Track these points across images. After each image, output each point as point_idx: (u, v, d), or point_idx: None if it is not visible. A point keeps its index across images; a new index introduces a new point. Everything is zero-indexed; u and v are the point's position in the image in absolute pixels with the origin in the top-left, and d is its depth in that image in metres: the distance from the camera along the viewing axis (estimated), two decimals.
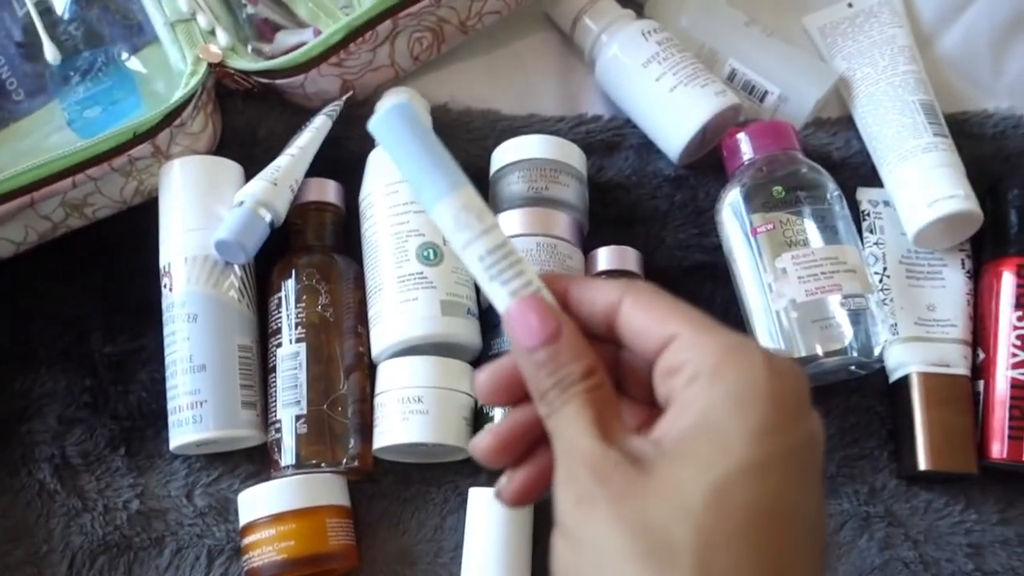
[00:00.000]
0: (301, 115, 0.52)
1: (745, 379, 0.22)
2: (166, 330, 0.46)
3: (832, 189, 0.48)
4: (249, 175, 0.49)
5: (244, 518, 0.43)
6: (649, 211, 0.52)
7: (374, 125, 0.27)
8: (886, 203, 0.50)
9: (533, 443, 0.27)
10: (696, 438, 0.22)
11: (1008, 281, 0.47)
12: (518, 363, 0.26)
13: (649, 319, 0.25)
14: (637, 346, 0.25)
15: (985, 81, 0.55)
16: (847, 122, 0.53)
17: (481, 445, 0.26)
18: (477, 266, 0.26)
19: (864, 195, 0.51)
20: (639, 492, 0.22)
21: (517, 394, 0.26)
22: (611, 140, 0.53)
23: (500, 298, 0.26)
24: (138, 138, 0.47)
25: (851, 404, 0.48)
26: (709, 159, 0.52)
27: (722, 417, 0.22)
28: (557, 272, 0.26)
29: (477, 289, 0.48)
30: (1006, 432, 0.45)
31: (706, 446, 0.22)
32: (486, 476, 0.46)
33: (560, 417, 0.24)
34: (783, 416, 0.22)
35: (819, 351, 0.45)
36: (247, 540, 0.43)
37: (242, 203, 0.46)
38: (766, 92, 0.53)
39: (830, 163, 0.50)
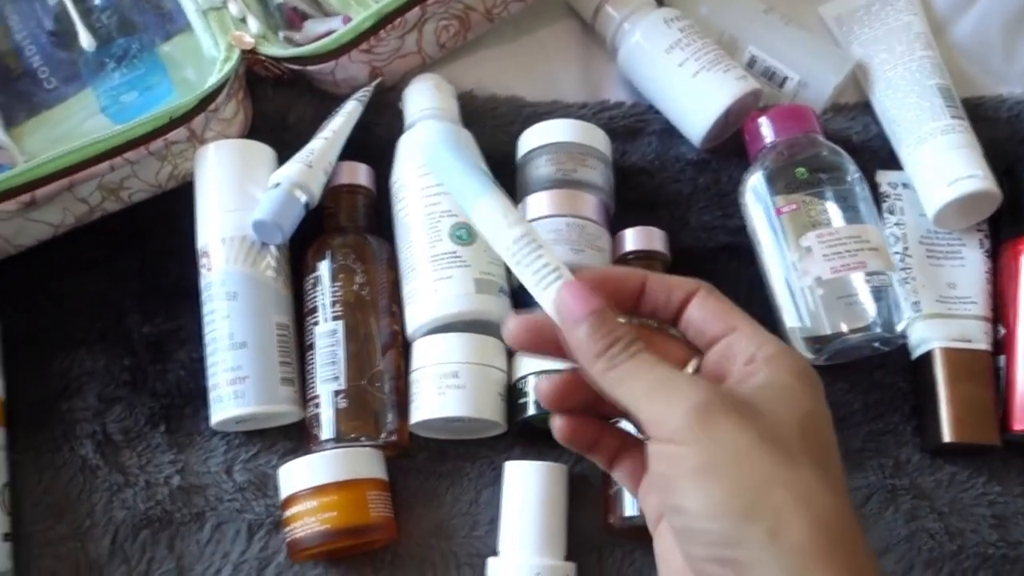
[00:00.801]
0: (330, 101, 0.53)
1: (799, 365, 0.30)
2: (205, 309, 0.47)
3: (853, 171, 0.49)
4: (280, 160, 0.50)
5: (286, 491, 0.44)
6: (673, 194, 0.53)
7: (430, 159, 0.33)
8: (905, 185, 0.52)
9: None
10: (772, 391, 0.29)
11: None
12: (566, 334, 0.30)
13: (719, 309, 0.31)
14: (703, 329, 0.31)
15: (998, 68, 0.56)
16: (865, 107, 0.55)
17: (542, 387, 0.32)
18: (509, 255, 0.31)
19: (883, 177, 0.52)
20: (749, 412, 0.28)
21: (546, 343, 0.31)
22: (634, 126, 0.54)
23: (535, 283, 0.30)
24: (174, 122, 0.48)
25: (875, 380, 0.49)
26: (730, 143, 0.54)
27: (788, 382, 0.29)
28: (633, 268, 0.33)
29: (508, 269, 0.49)
30: None
31: (784, 396, 0.29)
32: (520, 450, 0.47)
33: (637, 362, 0.29)
34: (820, 391, 0.30)
35: (844, 328, 0.46)
36: (289, 512, 0.43)
37: (278, 185, 0.47)
38: (785, 78, 0.54)
39: (849, 147, 0.51)
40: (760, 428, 0.27)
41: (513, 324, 0.31)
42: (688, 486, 0.27)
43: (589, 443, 0.33)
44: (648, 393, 0.28)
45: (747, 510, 0.26)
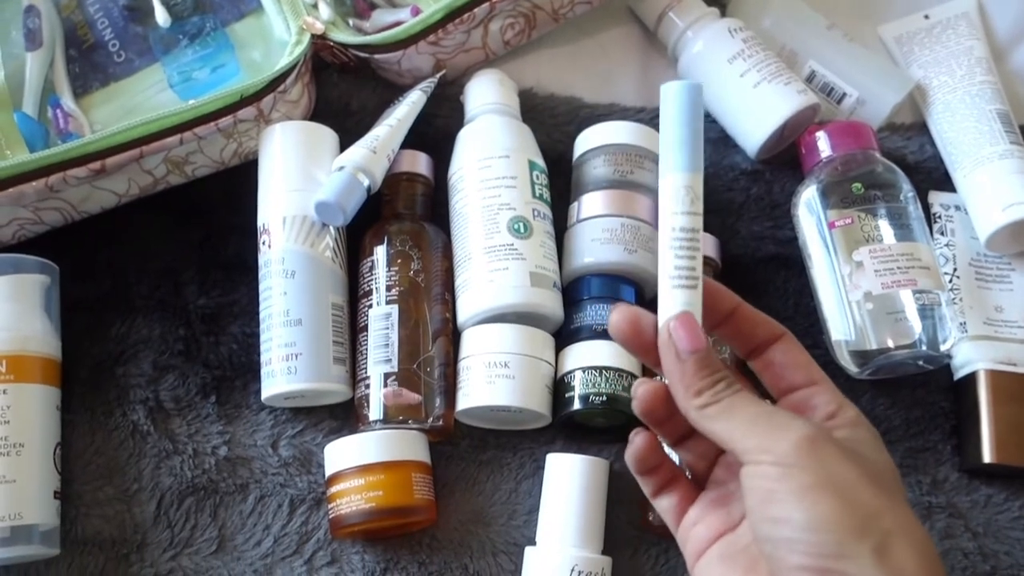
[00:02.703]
0: (392, 90, 0.54)
1: (876, 432, 0.33)
2: (262, 285, 0.48)
3: (907, 190, 0.50)
4: (342, 145, 0.51)
5: (332, 468, 0.45)
6: (725, 203, 0.53)
7: (669, 87, 0.31)
8: (957, 207, 0.52)
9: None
10: (861, 444, 0.31)
11: None
12: (668, 360, 0.32)
13: (803, 360, 0.33)
14: (784, 374, 0.33)
15: None
16: (921, 128, 0.55)
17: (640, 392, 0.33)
18: (668, 235, 0.31)
19: (936, 198, 0.53)
20: (850, 451, 0.30)
21: (641, 339, 0.33)
22: None
23: (670, 275, 0.31)
24: (244, 101, 0.49)
25: (917, 398, 0.50)
26: (784, 155, 0.54)
27: (872, 440, 0.32)
28: (729, 292, 0.34)
29: (560, 265, 0.49)
30: None
31: (873, 450, 0.32)
32: (562, 443, 0.48)
33: (739, 398, 0.31)
34: (887, 455, 0.33)
35: (890, 343, 0.46)
36: (334, 489, 0.44)
37: (342, 168, 0.48)
38: (844, 94, 0.54)
39: (903, 166, 0.52)
40: (862, 465, 0.29)
41: (619, 314, 0.32)
42: (797, 499, 0.28)
43: (651, 467, 0.35)
44: (752, 424, 0.30)
45: (858, 528, 0.28)
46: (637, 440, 0.35)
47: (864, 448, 0.31)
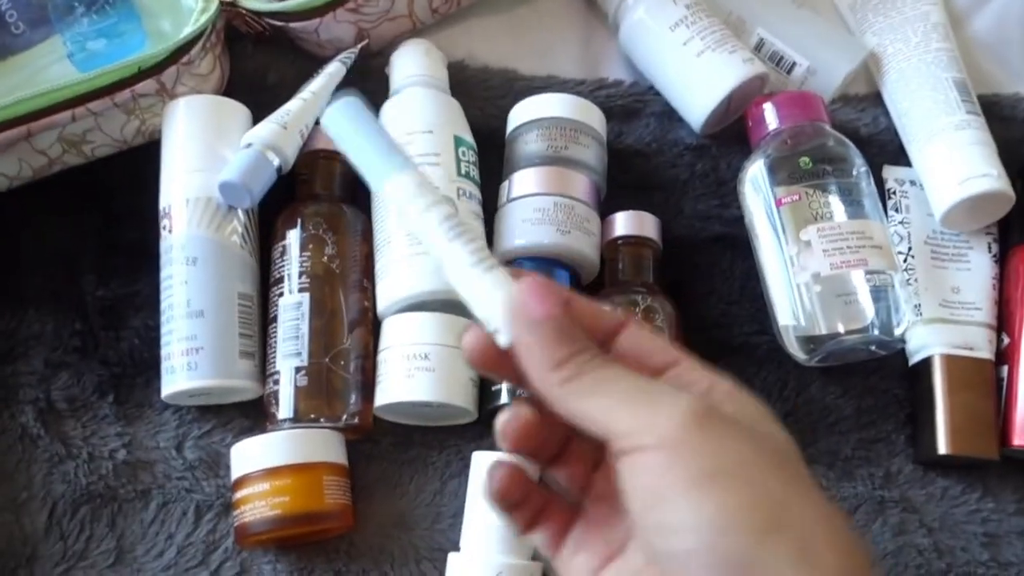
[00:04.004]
0: (313, 63, 0.50)
1: (759, 401, 0.27)
2: (163, 273, 0.44)
3: (859, 164, 0.47)
4: (257, 121, 0.47)
5: (237, 471, 0.41)
6: (669, 179, 0.50)
7: (327, 119, 0.28)
8: (912, 182, 0.49)
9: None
10: (748, 419, 0.26)
11: None
12: (518, 334, 0.26)
13: (658, 341, 0.28)
14: (641, 359, 0.28)
15: (1017, 65, 0.54)
16: (875, 99, 0.52)
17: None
18: (441, 231, 0.27)
19: (890, 173, 0.50)
20: (744, 425, 0.25)
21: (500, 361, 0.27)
22: (632, 106, 0.52)
23: (473, 263, 0.27)
24: (143, 73, 0.45)
25: (869, 385, 0.47)
26: (732, 130, 0.51)
27: (757, 413, 0.27)
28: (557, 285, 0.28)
29: (491, 248, 0.46)
30: None
31: (763, 423, 0.27)
32: (490, 440, 0.45)
33: (609, 370, 0.26)
34: (779, 426, 0.28)
35: (840, 328, 0.43)
36: (239, 494, 0.41)
37: (250, 145, 0.45)
38: (794, 64, 0.51)
39: (857, 140, 0.49)
40: (761, 443, 0.25)
41: (471, 337, 0.28)
42: (688, 497, 0.23)
43: (519, 499, 0.29)
44: (627, 399, 0.25)
45: (769, 524, 0.23)
46: (497, 475, 0.29)
47: (756, 423, 0.26)
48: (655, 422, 0.24)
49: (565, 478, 0.29)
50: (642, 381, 0.26)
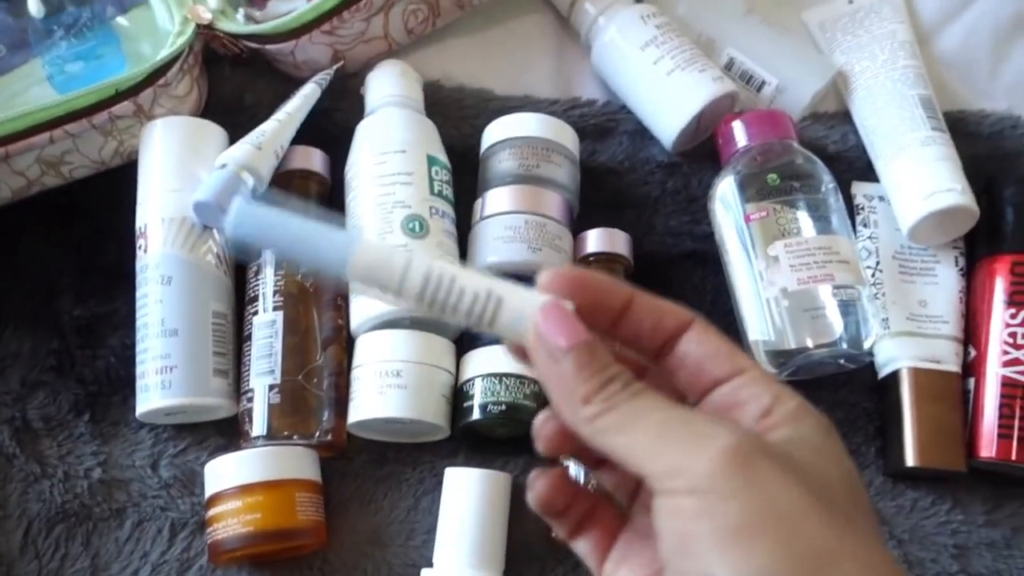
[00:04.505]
0: (290, 84, 0.51)
1: (824, 421, 0.25)
2: (138, 292, 0.45)
3: (827, 181, 0.47)
4: (234, 142, 0.47)
5: (210, 488, 0.41)
6: (641, 197, 0.51)
7: (234, 230, 0.25)
8: (881, 198, 0.50)
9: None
10: (804, 449, 0.24)
11: (1001, 279, 0.46)
12: (542, 370, 0.25)
13: (722, 347, 0.26)
14: (702, 368, 0.26)
15: (982, 82, 0.54)
16: (844, 116, 0.53)
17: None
18: (422, 306, 0.25)
19: (859, 189, 0.50)
20: (791, 464, 0.23)
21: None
22: (605, 125, 0.53)
23: (462, 322, 0.25)
24: (120, 95, 0.46)
25: (838, 398, 0.47)
26: (703, 148, 0.52)
27: (818, 440, 0.25)
28: (620, 281, 0.26)
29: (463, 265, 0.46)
30: (995, 431, 0.44)
31: (820, 455, 0.24)
32: (463, 456, 0.45)
33: (640, 402, 0.24)
34: (846, 450, 0.26)
35: (809, 342, 0.44)
36: (212, 511, 0.41)
37: (224, 166, 0.45)
38: (763, 82, 0.52)
39: (826, 156, 0.49)
40: (809, 483, 0.23)
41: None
42: (720, 552, 0.22)
43: (561, 508, 0.28)
44: (660, 436, 0.23)
45: None
46: (538, 484, 0.27)
47: (810, 453, 0.24)
48: (688, 463, 0.22)
49: (612, 483, 0.28)
50: (676, 413, 0.24)
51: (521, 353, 0.26)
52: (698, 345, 0.26)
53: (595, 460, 0.28)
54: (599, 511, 0.28)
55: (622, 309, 0.26)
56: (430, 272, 0.25)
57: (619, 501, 0.28)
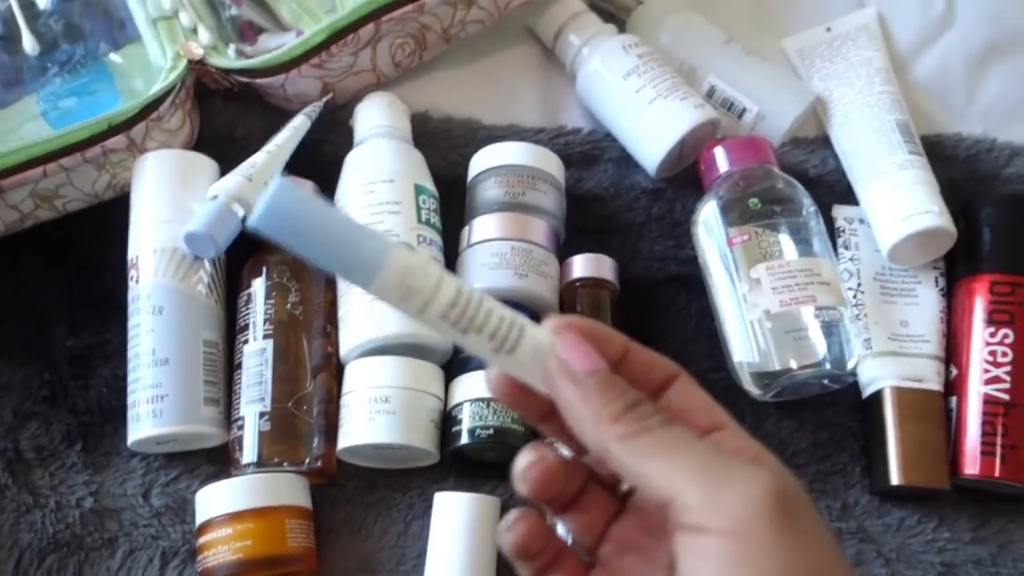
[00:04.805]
0: (280, 116, 0.52)
1: (800, 484, 0.25)
2: (130, 323, 0.45)
3: (808, 204, 0.48)
4: (225, 174, 0.48)
5: (201, 516, 0.42)
6: (626, 223, 0.52)
7: (260, 221, 0.23)
8: (861, 220, 0.51)
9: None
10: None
11: (981, 298, 0.47)
12: (564, 392, 0.25)
13: (704, 401, 0.27)
14: (687, 416, 0.26)
15: (958, 107, 0.56)
16: (823, 141, 0.54)
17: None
18: (443, 327, 0.25)
19: (839, 212, 0.51)
20: (815, 509, 0.23)
21: (527, 400, 0.27)
22: (590, 152, 0.53)
23: (482, 350, 0.25)
24: (113, 129, 0.47)
25: (824, 419, 0.48)
26: (686, 174, 0.53)
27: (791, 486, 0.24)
28: (617, 332, 0.27)
29: None
30: (979, 448, 0.45)
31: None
32: (453, 481, 0.45)
33: (673, 432, 0.24)
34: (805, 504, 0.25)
35: (793, 364, 0.44)
36: (202, 539, 0.41)
37: (215, 197, 0.46)
38: (744, 109, 0.53)
39: (806, 181, 0.50)
40: (832, 538, 0.23)
41: (496, 373, 0.26)
42: None
43: (534, 552, 0.27)
44: (696, 469, 0.23)
45: None
46: (519, 527, 0.27)
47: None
48: (725, 502, 0.22)
49: (580, 526, 0.28)
50: (713, 448, 0.24)
51: (508, 387, 0.26)
52: (683, 398, 0.26)
53: (563, 505, 0.28)
54: (562, 557, 0.28)
55: (619, 358, 0.26)
56: (462, 286, 0.25)
57: (583, 545, 0.28)
